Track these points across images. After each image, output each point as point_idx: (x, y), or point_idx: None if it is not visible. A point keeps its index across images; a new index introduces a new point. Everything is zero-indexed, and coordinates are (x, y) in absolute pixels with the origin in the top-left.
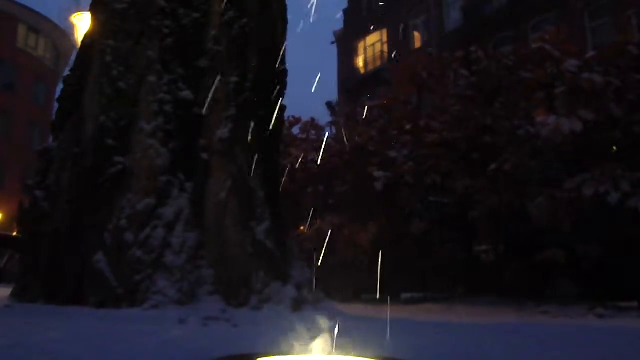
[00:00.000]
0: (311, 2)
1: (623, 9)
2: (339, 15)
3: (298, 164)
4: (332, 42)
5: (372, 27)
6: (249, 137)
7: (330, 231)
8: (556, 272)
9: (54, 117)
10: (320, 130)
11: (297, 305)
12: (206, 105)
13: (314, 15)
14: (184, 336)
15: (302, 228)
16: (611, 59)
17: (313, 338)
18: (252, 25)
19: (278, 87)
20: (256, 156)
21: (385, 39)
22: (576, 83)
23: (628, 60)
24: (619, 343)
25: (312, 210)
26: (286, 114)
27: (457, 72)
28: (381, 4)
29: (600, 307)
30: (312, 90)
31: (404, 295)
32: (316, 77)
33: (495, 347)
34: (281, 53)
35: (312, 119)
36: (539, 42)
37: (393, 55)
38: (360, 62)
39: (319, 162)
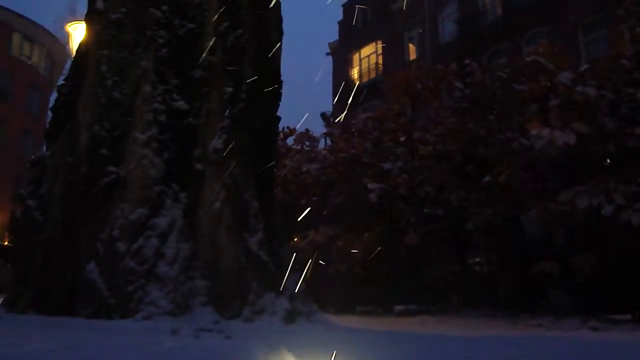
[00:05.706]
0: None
1: (616, 23)
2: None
3: (292, 175)
4: (327, 54)
5: (366, 39)
6: (243, 148)
7: (324, 242)
8: (550, 284)
9: (47, 126)
10: (315, 142)
11: (291, 317)
12: (200, 115)
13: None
14: (176, 348)
15: (296, 239)
16: (605, 72)
17: (305, 350)
18: (248, 36)
19: (273, 98)
20: (250, 167)
21: (379, 50)
22: (570, 96)
23: (621, 74)
24: (612, 356)
25: (306, 222)
26: (280, 125)
27: (452, 84)
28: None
29: (594, 320)
30: (306, 102)
31: (398, 307)
32: (311, 88)
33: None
34: (276, 64)
35: (307, 130)
36: (533, 55)
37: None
38: (354, 73)
39: (313, 173)
